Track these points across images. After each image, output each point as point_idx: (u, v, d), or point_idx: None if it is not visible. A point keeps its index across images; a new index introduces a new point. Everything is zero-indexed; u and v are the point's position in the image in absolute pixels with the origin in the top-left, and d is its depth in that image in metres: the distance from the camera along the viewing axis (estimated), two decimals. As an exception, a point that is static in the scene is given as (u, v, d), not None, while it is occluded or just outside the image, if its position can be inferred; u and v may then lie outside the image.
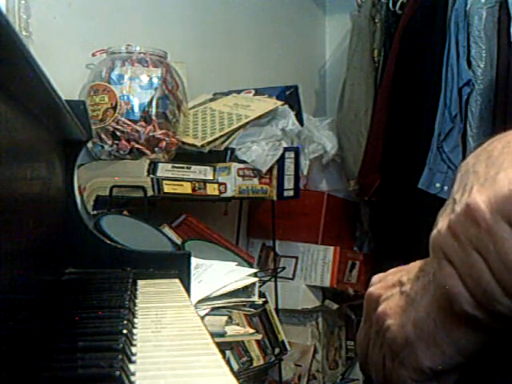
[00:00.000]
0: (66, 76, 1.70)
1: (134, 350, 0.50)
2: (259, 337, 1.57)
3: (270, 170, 1.97)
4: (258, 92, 2.11)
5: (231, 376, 0.42)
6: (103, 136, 1.69)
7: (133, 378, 0.43)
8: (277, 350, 2.03)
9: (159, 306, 0.70)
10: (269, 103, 1.99)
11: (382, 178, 2.30)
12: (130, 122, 1.68)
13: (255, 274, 1.38)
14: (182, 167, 1.75)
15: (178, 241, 1.73)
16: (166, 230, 1.76)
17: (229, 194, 1.85)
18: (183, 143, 1.84)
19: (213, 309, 1.26)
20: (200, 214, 2.02)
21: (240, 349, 1.81)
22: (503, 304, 0.41)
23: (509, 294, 0.40)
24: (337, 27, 2.89)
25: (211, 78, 2.28)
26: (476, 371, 0.47)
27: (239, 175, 1.87)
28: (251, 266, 1.71)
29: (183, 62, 1.98)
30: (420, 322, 0.46)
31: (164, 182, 1.66)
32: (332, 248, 2.37)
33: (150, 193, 1.64)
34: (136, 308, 0.68)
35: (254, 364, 1.86)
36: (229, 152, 1.88)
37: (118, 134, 1.69)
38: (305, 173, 2.31)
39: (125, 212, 1.63)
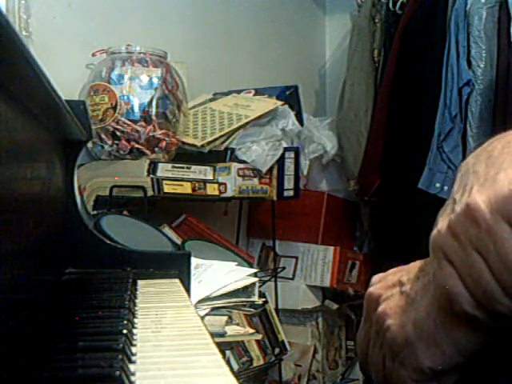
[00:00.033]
0: (66, 76, 1.70)
1: (133, 349, 0.50)
2: (259, 337, 1.57)
3: (270, 170, 1.97)
4: (258, 92, 2.11)
5: (231, 376, 0.42)
6: (103, 136, 1.70)
7: (133, 378, 0.43)
8: (277, 350, 2.03)
9: (159, 306, 0.70)
10: (269, 103, 1.99)
11: (382, 178, 2.30)
12: (129, 122, 1.68)
13: (255, 274, 1.38)
14: (182, 167, 1.75)
15: (178, 241, 1.73)
16: (166, 230, 1.76)
17: (229, 194, 1.85)
18: (183, 143, 1.84)
19: (213, 309, 1.26)
20: (200, 213, 2.02)
21: (240, 349, 1.81)
22: (503, 304, 0.41)
23: (509, 294, 0.40)
24: (337, 27, 2.89)
25: (211, 78, 2.28)
26: (476, 371, 0.47)
27: (239, 175, 1.87)
28: (251, 266, 1.71)
29: (183, 61, 1.98)
30: (420, 322, 0.46)
31: (164, 182, 1.66)
32: (332, 248, 2.37)
33: (150, 193, 1.64)
34: (136, 308, 0.68)
35: (254, 364, 1.86)
36: (229, 152, 1.88)
37: (118, 133, 1.69)
38: (305, 173, 2.31)
39: (125, 212, 1.63)
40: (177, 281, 0.90)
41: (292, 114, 2.03)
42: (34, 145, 0.76)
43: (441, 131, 2.07)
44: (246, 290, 1.32)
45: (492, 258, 0.40)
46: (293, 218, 2.39)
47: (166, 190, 1.66)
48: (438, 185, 2.05)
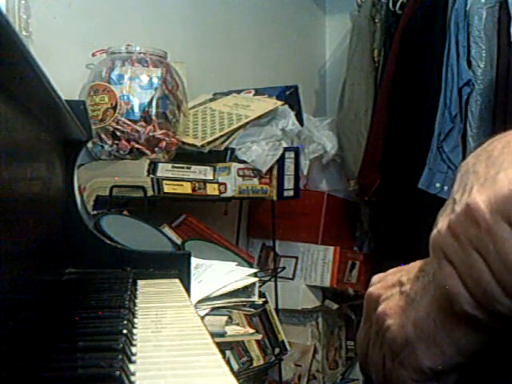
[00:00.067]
0: (66, 76, 1.70)
1: (134, 349, 0.50)
2: (259, 337, 1.57)
3: (270, 169, 1.97)
4: (258, 92, 2.11)
5: (231, 376, 0.42)
6: (103, 136, 1.70)
7: (133, 378, 0.43)
8: (277, 350, 2.03)
9: (159, 305, 0.70)
10: (269, 103, 1.99)
11: (382, 178, 2.30)
12: (129, 122, 1.68)
13: (255, 274, 1.38)
14: (182, 167, 1.75)
15: (178, 241, 1.73)
16: (166, 229, 1.76)
17: (229, 194, 1.85)
18: (183, 143, 1.84)
19: (213, 309, 1.26)
20: (200, 214, 2.02)
21: (240, 349, 1.81)
22: (503, 304, 0.41)
23: (509, 294, 0.40)
24: (337, 27, 2.89)
25: (211, 78, 2.28)
26: (476, 371, 0.47)
27: (239, 175, 1.87)
28: (251, 266, 1.71)
29: (183, 61, 1.98)
30: (420, 321, 0.46)
31: (164, 181, 1.66)
32: (332, 248, 2.37)
33: (150, 193, 1.64)
34: (136, 308, 0.68)
35: (254, 364, 1.86)
36: (229, 152, 1.88)
37: (118, 133, 1.69)
38: (305, 173, 2.31)
39: (125, 212, 1.63)
40: (177, 281, 0.90)
41: (292, 114, 2.03)
42: (34, 145, 0.76)
43: (441, 131, 2.07)
44: (246, 290, 1.32)
45: (492, 257, 0.40)
46: (293, 218, 2.39)
47: (166, 190, 1.66)
48: (437, 185, 2.05)
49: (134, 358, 0.47)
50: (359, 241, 2.59)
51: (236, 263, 1.39)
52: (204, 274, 1.30)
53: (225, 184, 1.84)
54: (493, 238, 0.40)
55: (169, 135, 1.74)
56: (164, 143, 1.73)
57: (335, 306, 2.42)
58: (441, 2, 2.15)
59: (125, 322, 0.56)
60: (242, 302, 1.32)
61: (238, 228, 2.36)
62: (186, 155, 1.85)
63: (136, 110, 1.69)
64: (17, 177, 0.64)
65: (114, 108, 1.67)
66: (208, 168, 1.82)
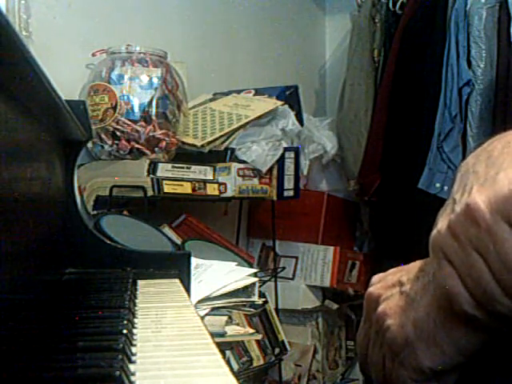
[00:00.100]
0: (66, 76, 1.70)
1: (134, 350, 0.50)
2: (259, 337, 1.57)
3: (270, 169, 1.97)
4: (258, 92, 2.11)
5: (231, 376, 0.42)
6: (103, 136, 1.70)
7: (133, 378, 0.43)
8: (277, 350, 2.03)
9: (159, 305, 0.70)
10: (269, 103, 1.99)
11: (382, 178, 2.30)
12: (129, 122, 1.68)
13: (255, 274, 1.38)
14: (182, 167, 1.75)
15: (178, 241, 1.73)
16: (166, 230, 1.76)
17: (229, 194, 1.85)
18: (183, 143, 1.84)
19: (213, 309, 1.26)
20: (200, 213, 2.02)
21: (240, 349, 1.81)
22: (503, 304, 0.41)
23: (509, 294, 0.40)
24: (337, 27, 2.89)
25: (211, 78, 2.28)
26: (476, 371, 0.47)
27: (239, 175, 1.87)
28: (251, 266, 1.71)
29: (183, 61, 1.98)
30: (420, 322, 0.46)
31: (164, 182, 1.66)
32: (332, 248, 2.37)
33: (150, 193, 1.64)
34: (136, 308, 0.68)
35: (254, 364, 1.86)
36: (229, 152, 1.88)
37: (118, 133, 1.69)
38: (305, 173, 2.31)
39: (125, 212, 1.63)
40: (177, 281, 0.90)
41: (292, 114, 2.03)
42: (34, 145, 0.76)
43: (441, 131, 2.07)
44: (246, 290, 1.32)
45: (492, 258, 0.40)
46: (293, 218, 2.39)
47: (166, 190, 1.66)
48: (438, 185, 2.05)
49: (134, 358, 0.47)
50: (359, 241, 2.59)
51: (236, 263, 1.39)
52: (204, 274, 1.30)
53: (225, 184, 1.84)
54: (493, 237, 0.40)
55: (169, 135, 1.74)
56: (164, 143, 1.73)
57: (335, 306, 2.42)
58: (441, 1, 2.15)
59: (125, 321, 0.56)
60: (242, 301, 1.32)
61: (238, 228, 2.36)
62: (186, 155, 1.85)
63: (136, 110, 1.69)
64: (17, 177, 0.64)
65: (114, 108, 1.67)
66: (208, 168, 1.82)
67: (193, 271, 1.00)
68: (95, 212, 1.59)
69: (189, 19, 2.26)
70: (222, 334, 1.29)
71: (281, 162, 1.98)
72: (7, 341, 0.52)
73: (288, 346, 2.07)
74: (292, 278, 2.39)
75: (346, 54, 2.57)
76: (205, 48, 2.30)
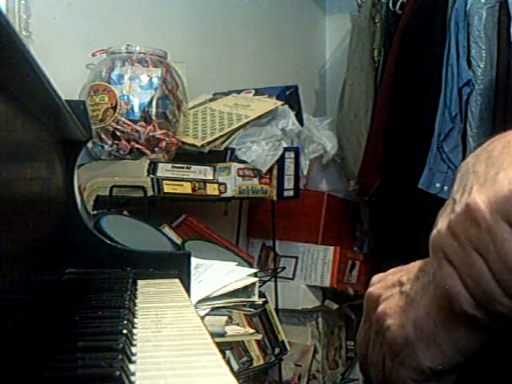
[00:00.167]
0: (66, 76, 1.70)
1: (134, 350, 0.50)
2: (259, 337, 1.57)
3: (270, 170, 1.97)
4: (258, 92, 2.11)
5: (231, 376, 0.42)
6: (103, 136, 1.70)
7: (133, 378, 0.43)
8: (277, 350, 2.03)
9: (159, 305, 0.70)
10: (269, 103, 1.99)
11: (382, 178, 2.30)
12: (129, 122, 1.68)
13: (255, 274, 1.38)
14: (182, 167, 1.75)
15: (178, 241, 1.73)
16: (166, 230, 1.76)
17: (229, 194, 1.85)
18: (183, 143, 1.84)
19: (213, 309, 1.26)
20: (200, 214, 2.02)
21: (240, 349, 1.81)
22: (503, 304, 0.41)
23: (509, 294, 0.40)
24: (337, 27, 2.89)
25: (211, 78, 2.28)
26: (476, 371, 0.47)
27: (239, 175, 1.87)
28: (251, 266, 1.71)
29: (183, 61, 1.98)
30: (420, 322, 0.46)
31: (164, 181, 1.66)
32: (332, 248, 2.37)
33: (150, 193, 1.64)
34: (136, 308, 0.68)
35: (254, 364, 1.86)
36: (229, 152, 1.88)
37: (118, 134, 1.69)
38: (305, 173, 2.31)
39: (125, 212, 1.63)
40: (177, 281, 0.90)
41: (292, 114, 2.03)
42: (34, 145, 0.76)
43: (441, 131, 2.07)
44: (246, 290, 1.32)
45: (492, 258, 0.40)
46: (293, 218, 2.39)
47: (166, 190, 1.66)
48: (438, 185, 2.05)
49: (134, 358, 0.47)
50: (359, 241, 2.59)
51: (236, 263, 1.39)
52: (204, 274, 1.30)
53: (225, 184, 1.84)
54: (493, 237, 0.40)
55: (169, 135, 1.74)
56: (164, 143, 1.73)
57: (335, 306, 2.42)
58: (441, 1, 2.15)
59: (125, 321, 0.56)
60: (242, 301, 1.32)
61: (238, 228, 2.36)
62: (186, 155, 1.85)
63: (136, 110, 1.69)
64: (17, 177, 0.64)
65: (114, 108, 1.67)
66: (208, 168, 1.82)
67: (193, 271, 1.00)
68: (95, 212, 1.59)
69: (189, 19, 2.26)
70: (222, 334, 1.29)
71: (281, 161, 1.98)
72: (7, 341, 0.52)
73: (288, 346, 2.07)
74: (292, 278, 2.39)
75: (345, 54, 2.57)
76: (205, 48, 2.30)
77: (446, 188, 2.03)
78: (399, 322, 0.48)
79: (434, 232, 0.44)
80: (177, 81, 1.79)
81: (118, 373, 0.41)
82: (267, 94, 2.09)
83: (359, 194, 2.43)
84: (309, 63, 2.88)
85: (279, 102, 2.00)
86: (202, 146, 1.84)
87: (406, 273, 0.51)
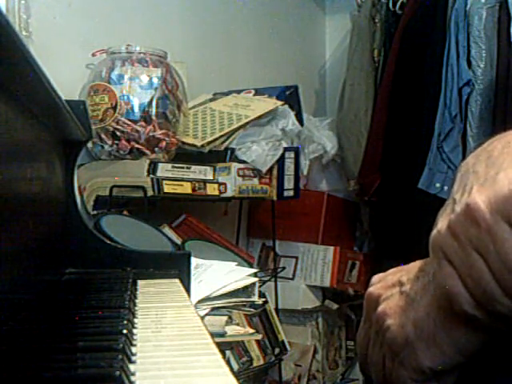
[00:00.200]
0: (66, 76, 1.70)
1: (134, 350, 0.50)
2: (259, 337, 1.57)
3: (270, 170, 1.97)
4: (258, 92, 2.11)
5: (231, 376, 0.42)
6: (103, 136, 1.70)
7: (133, 378, 0.43)
8: (277, 350, 2.03)
9: (159, 305, 0.70)
10: (269, 103, 1.99)
11: (382, 178, 2.30)
12: (129, 122, 1.68)
13: (255, 274, 1.38)
14: (182, 167, 1.75)
15: (178, 241, 1.73)
16: (166, 230, 1.76)
17: (229, 194, 1.85)
18: (183, 143, 1.84)
19: (213, 309, 1.26)
20: (200, 214, 2.02)
21: (240, 349, 1.81)
22: (503, 304, 0.41)
23: (509, 294, 0.40)
24: (337, 27, 2.89)
25: (211, 78, 2.28)
26: (476, 371, 0.47)
27: (239, 175, 1.87)
28: (251, 266, 1.71)
29: (183, 61, 1.98)
30: (420, 322, 0.46)
31: (164, 181, 1.66)
32: (332, 248, 2.37)
33: (150, 193, 1.64)
34: (136, 308, 0.68)
35: (254, 364, 1.86)
36: (229, 152, 1.88)
37: (118, 133, 1.69)
38: (305, 173, 2.31)
39: (125, 212, 1.63)
40: (177, 281, 0.90)
41: (292, 114, 2.03)
42: (34, 145, 0.76)
43: (441, 131, 2.07)
44: (246, 290, 1.32)
45: (492, 258, 0.40)
46: (293, 218, 2.39)
47: (166, 190, 1.66)
48: (438, 185, 2.05)
49: (134, 358, 0.47)
50: (359, 241, 2.59)
51: (236, 263, 1.39)
52: (204, 274, 1.30)
53: (225, 184, 1.84)
54: (493, 237, 0.40)
55: (169, 135, 1.74)
56: (164, 143, 1.73)
57: (335, 306, 2.42)
58: (441, 1, 2.15)
59: (125, 321, 0.56)
60: (242, 301, 1.32)
61: (238, 228, 2.36)
62: (186, 155, 1.85)
63: (136, 110, 1.69)
64: (17, 177, 0.64)
65: (114, 108, 1.67)
66: (208, 168, 1.82)
67: (193, 271, 1.00)
68: (95, 212, 1.59)
69: (189, 19, 2.26)
70: (222, 334, 1.29)
71: (281, 161, 1.98)
72: (7, 341, 0.52)
73: (288, 346, 2.07)
74: (292, 278, 2.39)
75: (345, 54, 2.57)
76: (205, 48, 2.30)
77: (445, 188, 2.03)
78: (399, 322, 0.48)
79: (434, 232, 0.44)
80: (177, 81, 1.79)
81: (117, 373, 0.41)
82: (267, 94, 2.09)
83: (359, 194, 2.43)
84: (309, 63, 2.88)
85: (279, 102, 2.00)
86: (202, 146, 1.84)
87: (406, 273, 0.51)
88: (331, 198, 2.46)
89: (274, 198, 2.00)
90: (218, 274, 1.31)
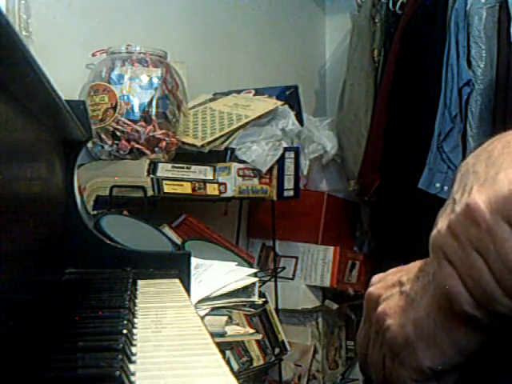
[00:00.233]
0: (66, 76, 1.70)
1: (134, 349, 0.50)
2: (259, 337, 1.57)
3: (270, 170, 1.97)
4: (258, 92, 2.11)
5: (231, 376, 0.42)
6: (103, 136, 1.70)
7: (133, 378, 0.43)
8: (277, 350, 2.03)
9: (159, 305, 0.70)
10: (269, 103, 1.99)
11: (382, 178, 2.30)
12: (129, 122, 1.68)
13: (255, 274, 1.38)
14: (182, 167, 1.75)
15: (178, 241, 1.73)
16: (166, 230, 1.76)
17: (229, 194, 1.85)
18: (183, 143, 1.84)
19: (213, 309, 1.26)
20: (200, 214, 2.02)
21: (240, 349, 1.81)
22: (503, 304, 0.41)
23: (509, 294, 0.40)
24: (337, 27, 2.89)
25: (211, 78, 2.28)
26: (476, 371, 0.47)
27: (239, 175, 1.87)
28: (251, 266, 1.71)
29: (183, 61, 1.98)
30: (420, 322, 0.46)
31: (164, 181, 1.66)
32: (332, 248, 2.37)
33: (150, 193, 1.64)
34: (136, 308, 0.68)
35: (254, 364, 1.86)
36: (229, 152, 1.88)
37: (118, 134, 1.69)
38: (305, 173, 2.31)
39: (125, 212, 1.63)
40: (177, 281, 0.90)
41: (292, 114, 2.03)
42: (34, 145, 0.76)
43: (441, 131, 2.07)
44: (246, 290, 1.32)
45: (492, 258, 0.40)
46: (293, 218, 2.39)
47: (166, 190, 1.66)
48: (438, 185, 2.05)
49: (134, 358, 0.47)
50: (359, 241, 2.59)
51: (236, 263, 1.39)
52: (204, 274, 1.30)
53: (225, 184, 1.84)
54: (493, 237, 0.40)
55: (169, 135, 1.74)
56: (164, 143, 1.73)
57: (335, 306, 2.42)
58: (441, 1, 2.14)
59: (125, 321, 0.56)
60: (242, 301, 1.32)
61: (238, 228, 2.36)
62: (186, 155, 1.85)
63: (136, 110, 1.69)
64: (17, 177, 0.64)
65: (114, 108, 1.67)
66: (208, 168, 1.82)
67: (193, 271, 1.00)
68: (95, 212, 1.59)
69: (189, 19, 2.26)
70: (222, 334, 1.29)
71: (281, 161, 1.98)
72: (7, 341, 0.52)
73: (288, 346, 2.07)
74: (292, 278, 2.39)
75: (345, 54, 2.57)
76: (205, 48, 2.30)
77: (445, 188, 2.03)
78: (399, 322, 0.48)
79: (434, 232, 0.44)
80: (177, 81, 1.79)
81: (118, 373, 0.41)
82: (267, 94, 2.09)
83: (359, 194, 2.43)
84: (309, 63, 2.88)
85: (279, 102, 2.00)
86: (202, 146, 1.84)
87: (406, 273, 0.51)
88: (331, 198, 2.46)
89: (274, 198, 2.00)
90: (218, 274, 1.31)
